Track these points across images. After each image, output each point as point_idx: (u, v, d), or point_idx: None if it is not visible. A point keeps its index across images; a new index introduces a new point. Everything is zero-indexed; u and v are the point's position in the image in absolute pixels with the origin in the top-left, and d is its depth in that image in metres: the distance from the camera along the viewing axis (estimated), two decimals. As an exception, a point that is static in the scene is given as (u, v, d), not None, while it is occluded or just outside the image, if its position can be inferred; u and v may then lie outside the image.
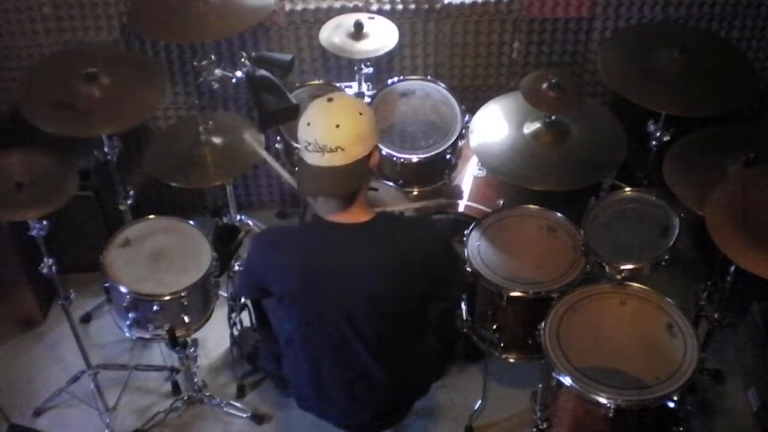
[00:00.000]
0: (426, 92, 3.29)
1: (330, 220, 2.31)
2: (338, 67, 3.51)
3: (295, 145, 3.19)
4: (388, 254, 2.29)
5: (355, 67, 3.27)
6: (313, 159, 2.20)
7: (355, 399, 2.47)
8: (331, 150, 2.18)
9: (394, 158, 3.15)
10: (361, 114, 2.22)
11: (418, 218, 2.92)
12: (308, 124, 2.21)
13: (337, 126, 2.17)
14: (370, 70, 3.29)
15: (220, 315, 3.10)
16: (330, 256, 2.29)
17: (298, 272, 2.31)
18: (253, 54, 2.86)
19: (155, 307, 2.80)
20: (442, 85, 3.29)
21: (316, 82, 3.40)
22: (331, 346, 2.37)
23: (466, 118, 3.19)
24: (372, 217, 2.32)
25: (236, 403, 3.16)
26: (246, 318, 3.12)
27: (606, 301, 2.73)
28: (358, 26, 3.16)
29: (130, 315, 2.84)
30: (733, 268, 2.68)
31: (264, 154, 2.94)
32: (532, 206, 3.07)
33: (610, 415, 2.45)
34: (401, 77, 3.33)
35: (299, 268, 2.31)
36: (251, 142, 2.97)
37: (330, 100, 2.23)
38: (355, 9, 3.34)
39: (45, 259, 2.80)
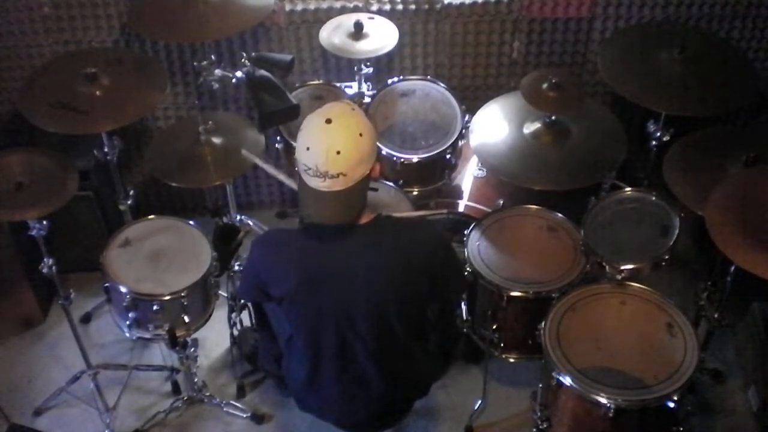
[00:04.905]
0: (426, 92, 3.29)
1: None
2: (338, 67, 3.51)
3: (296, 145, 3.19)
4: (388, 256, 2.28)
5: (355, 67, 3.27)
6: (314, 183, 2.18)
7: (354, 399, 2.46)
8: (332, 176, 2.14)
9: (394, 158, 3.15)
10: (361, 135, 2.16)
11: (418, 220, 2.91)
12: (307, 149, 2.15)
13: (338, 152, 2.12)
14: (370, 70, 3.29)
15: (220, 315, 3.10)
16: (330, 258, 2.28)
17: (299, 273, 2.30)
18: (253, 54, 2.86)
19: (155, 307, 2.80)
20: (442, 85, 3.29)
21: (316, 82, 3.39)
22: (331, 347, 2.37)
23: (466, 118, 3.19)
24: (372, 219, 2.32)
25: (236, 403, 3.16)
26: (246, 318, 3.12)
27: (606, 301, 2.72)
28: (358, 26, 3.16)
29: (130, 315, 2.84)
30: (733, 268, 2.68)
31: (261, 163, 2.90)
32: (532, 206, 3.06)
33: (610, 415, 2.45)
34: (401, 77, 3.32)
35: (300, 269, 2.30)
36: (249, 156, 2.93)
37: (329, 121, 2.14)
38: (355, 9, 3.34)
39: (45, 259, 2.80)
